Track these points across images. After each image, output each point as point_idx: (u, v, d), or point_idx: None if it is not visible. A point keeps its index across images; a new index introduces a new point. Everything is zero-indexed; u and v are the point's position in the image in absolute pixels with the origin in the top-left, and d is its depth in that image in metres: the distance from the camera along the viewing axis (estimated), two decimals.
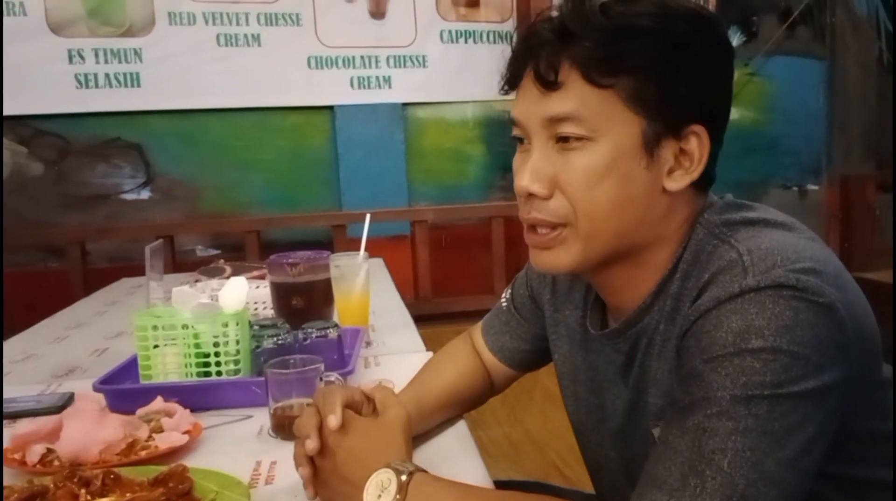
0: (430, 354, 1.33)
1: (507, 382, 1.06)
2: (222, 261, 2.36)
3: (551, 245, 0.73)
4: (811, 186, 4.64)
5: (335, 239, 3.53)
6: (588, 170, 0.69)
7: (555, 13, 0.72)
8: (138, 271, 2.55)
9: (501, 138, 4.04)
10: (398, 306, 1.77)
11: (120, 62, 3.52)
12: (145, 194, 3.74)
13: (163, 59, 3.56)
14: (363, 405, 0.83)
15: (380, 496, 0.68)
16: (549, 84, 0.69)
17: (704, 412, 0.58)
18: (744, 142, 4.30)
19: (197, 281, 1.78)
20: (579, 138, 0.69)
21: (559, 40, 0.69)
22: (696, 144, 0.71)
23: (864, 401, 0.67)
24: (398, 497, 0.67)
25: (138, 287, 2.32)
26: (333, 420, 0.76)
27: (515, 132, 0.76)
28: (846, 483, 0.69)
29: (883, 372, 0.71)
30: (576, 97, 0.68)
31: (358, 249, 1.43)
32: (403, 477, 0.68)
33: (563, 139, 0.70)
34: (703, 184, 0.73)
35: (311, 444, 0.75)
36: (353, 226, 3.52)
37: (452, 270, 3.82)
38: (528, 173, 0.71)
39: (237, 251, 3.55)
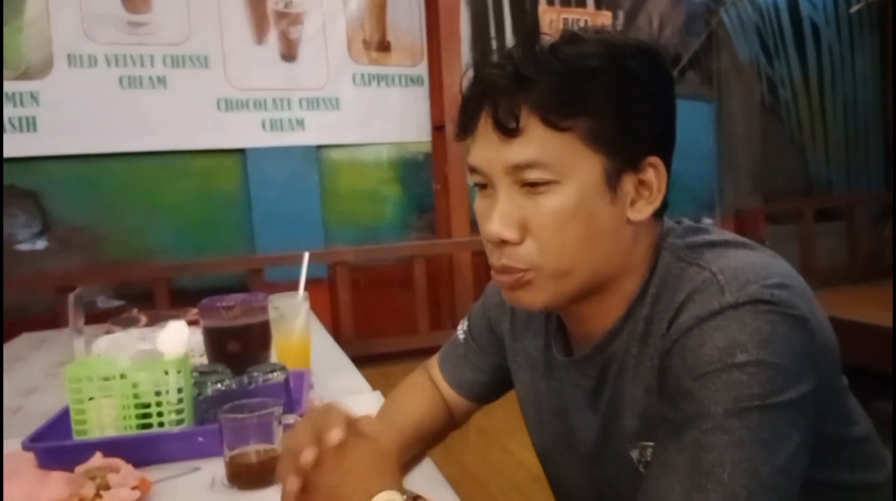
0: (378, 393, 1.30)
1: (467, 415, 1.05)
2: (136, 310, 2.24)
3: (521, 285, 0.74)
4: (706, 220, 4.91)
5: (252, 284, 3.42)
6: (558, 212, 0.70)
7: (496, 59, 0.72)
8: (35, 326, 2.40)
9: (417, 179, 4.07)
10: (333, 348, 1.74)
11: (15, 106, 3.33)
12: (41, 245, 3.51)
13: (61, 103, 3.39)
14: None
15: None
16: (510, 131, 0.69)
17: (700, 427, 0.60)
18: None
19: (107, 333, 1.66)
20: (546, 183, 0.70)
21: (515, 85, 0.69)
22: (654, 174, 0.74)
23: (829, 407, 0.70)
24: None
25: (42, 342, 2.16)
26: (336, 434, 0.69)
27: (475, 179, 0.75)
28: (811, 486, 0.72)
29: (842, 380, 0.75)
30: (537, 142, 0.69)
31: (276, 293, 1.41)
32: None
33: (530, 184, 0.70)
34: (660, 210, 0.77)
35: (309, 455, 0.68)
36: (270, 270, 3.43)
37: (373, 311, 3.76)
38: (498, 219, 0.71)
39: (144, 301, 3.35)
